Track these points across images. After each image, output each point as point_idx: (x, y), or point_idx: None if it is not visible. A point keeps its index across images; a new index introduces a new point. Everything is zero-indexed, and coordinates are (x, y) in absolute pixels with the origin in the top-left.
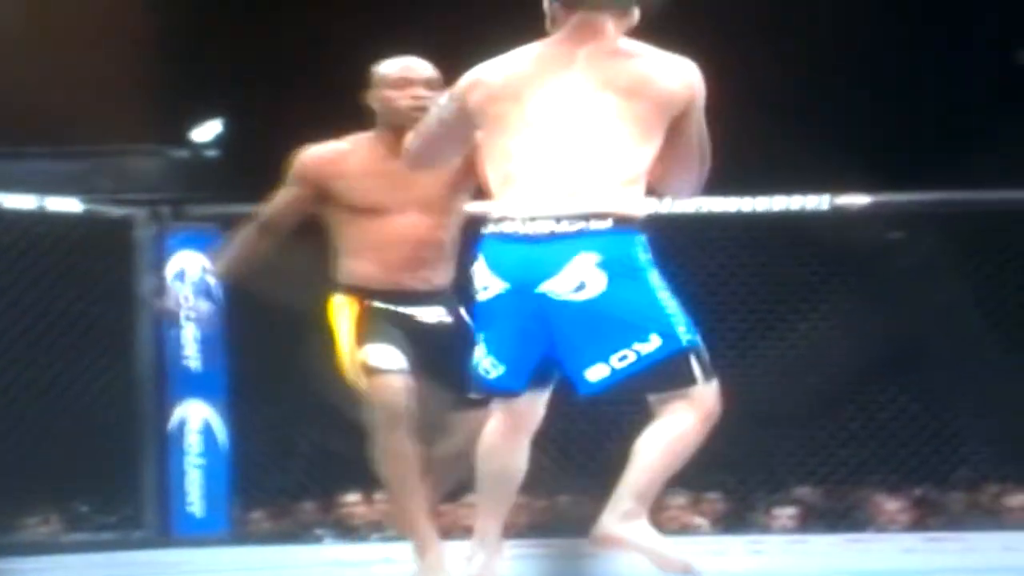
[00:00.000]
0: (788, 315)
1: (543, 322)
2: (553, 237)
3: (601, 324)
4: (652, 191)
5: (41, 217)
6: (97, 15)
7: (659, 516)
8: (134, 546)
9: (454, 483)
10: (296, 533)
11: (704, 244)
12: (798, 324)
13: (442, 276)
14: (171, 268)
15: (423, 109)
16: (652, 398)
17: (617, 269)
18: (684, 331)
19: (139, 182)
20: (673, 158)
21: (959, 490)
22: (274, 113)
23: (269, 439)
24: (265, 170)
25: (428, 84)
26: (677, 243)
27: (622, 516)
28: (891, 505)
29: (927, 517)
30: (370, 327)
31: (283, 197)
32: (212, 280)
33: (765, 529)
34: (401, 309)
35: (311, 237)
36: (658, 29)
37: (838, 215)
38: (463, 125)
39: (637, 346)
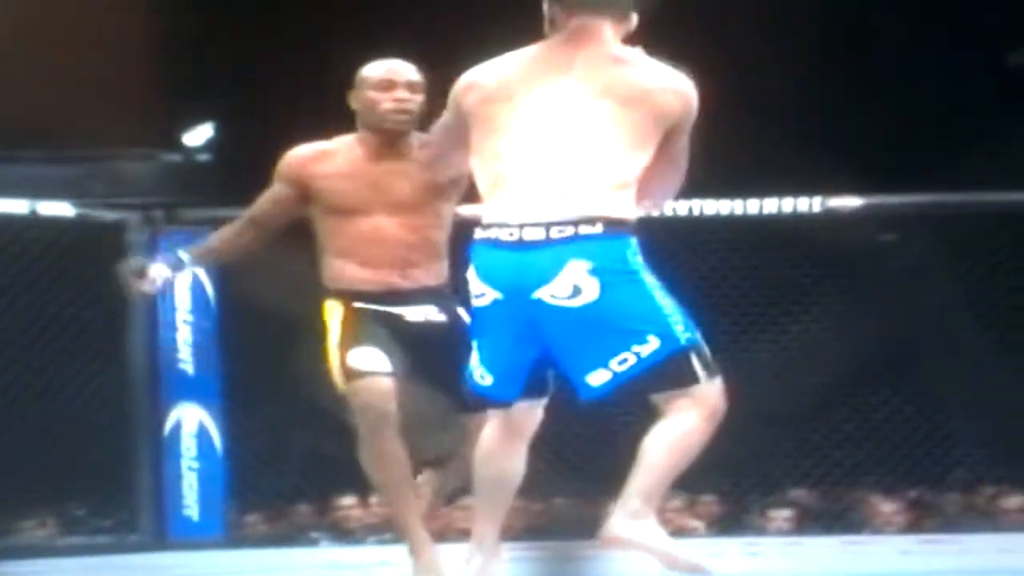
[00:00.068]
0: (781, 317)
1: (538, 329)
2: (544, 243)
3: (598, 329)
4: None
5: (33, 221)
6: (89, 20)
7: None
8: (130, 549)
9: (459, 484)
10: (292, 536)
11: (696, 247)
12: (791, 326)
13: (432, 275)
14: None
15: (405, 112)
16: (656, 398)
17: (610, 274)
18: (682, 330)
19: (132, 186)
20: (655, 169)
21: (955, 492)
22: (267, 117)
23: (264, 442)
24: (257, 174)
25: (411, 87)
26: (669, 246)
27: (630, 516)
28: (887, 507)
29: (923, 519)
30: (355, 330)
31: (267, 196)
32: (184, 257)
33: (761, 531)
34: (387, 309)
35: (305, 240)
36: (650, 31)
37: (830, 217)
38: (462, 128)
39: (636, 348)
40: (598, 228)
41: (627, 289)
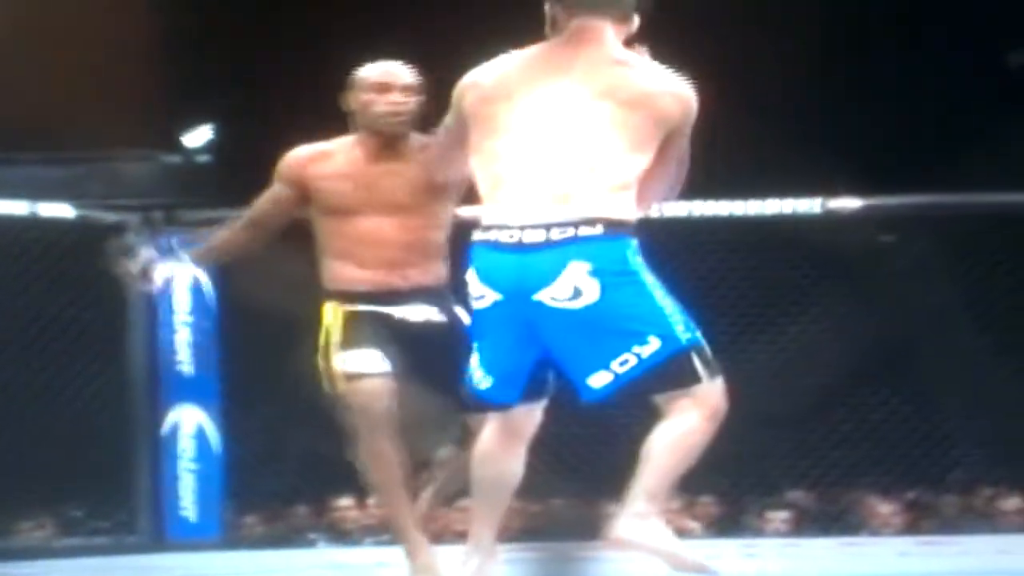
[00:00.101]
0: (780, 318)
1: (538, 331)
2: (545, 245)
3: (599, 330)
4: None
5: (33, 223)
6: (89, 21)
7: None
8: (128, 551)
9: (459, 486)
10: (289, 537)
11: (696, 247)
12: (790, 327)
13: (429, 275)
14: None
15: (400, 115)
16: (658, 399)
17: (610, 275)
18: (683, 330)
19: (131, 187)
20: (653, 172)
21: (953, 493)
22: (266, 118)
23: (262, 443)
24: (257, 175)
25: (406, 90)
26: (668, 247)
27: (635, 518)
28: (884, 508)
29: (921, 520)
30: (351, 332)
31: (267, 196)
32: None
33: (758, 533)
34: (383, 309)
35: (304, 242)
36: (648, 31)
37: (830, 218)
38: (463, 128)
39: (637, 349)
40: (598, 229)
41: (627, 290)
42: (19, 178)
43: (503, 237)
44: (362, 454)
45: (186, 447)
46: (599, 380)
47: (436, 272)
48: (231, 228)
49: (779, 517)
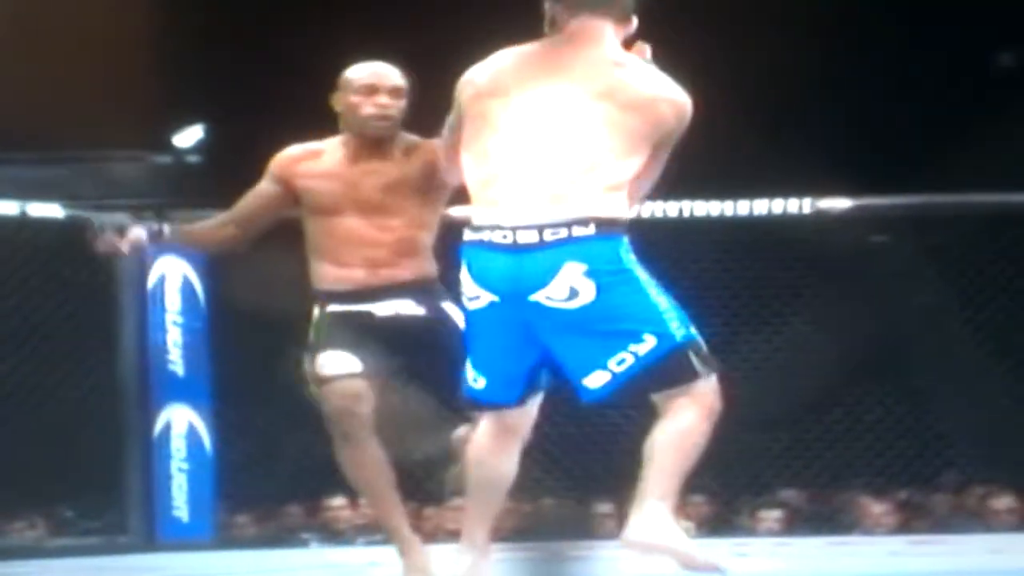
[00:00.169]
0: (772, 318)
1: (535, 332)
2: (539, 246)
3: (596, 330)
4: None
5: (23, 223)
6: (80, 22)
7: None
8: (119, 551)
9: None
10: (282, 537)
11: (687, 248)
12: (782, 327)
13: (406, 271)
14: (154, 274)
15: (387, 118)
16: (656, 398)
17: (605, 275)
18: (678, 327)
19: (122, 188)
20: (637, 174)
21: (944, 492)
22: (257, 118)
23: (254, 443)
24: (248, 175)
25: (394, 92)
26: (659, 247)
27: (649, 519)
28: (876, 508)
29: (912, 520)
30: (326, 334)
31: (253, 191)
32: (165, 230)
33: (750, 532)
34: (356, 307)
35: (294, 241)
36: (640, 32)
37: (820, 219)
38: (463, 126)
39: (633, 348)
40: (591, 229)
41: (622, 289)
42: (8, 178)
43: (496, 237)
44: (342, 457)
45: (178, 447)
46: (597, 380)
47: (414, 267)
48: (215, 220)
49: (771, 516)
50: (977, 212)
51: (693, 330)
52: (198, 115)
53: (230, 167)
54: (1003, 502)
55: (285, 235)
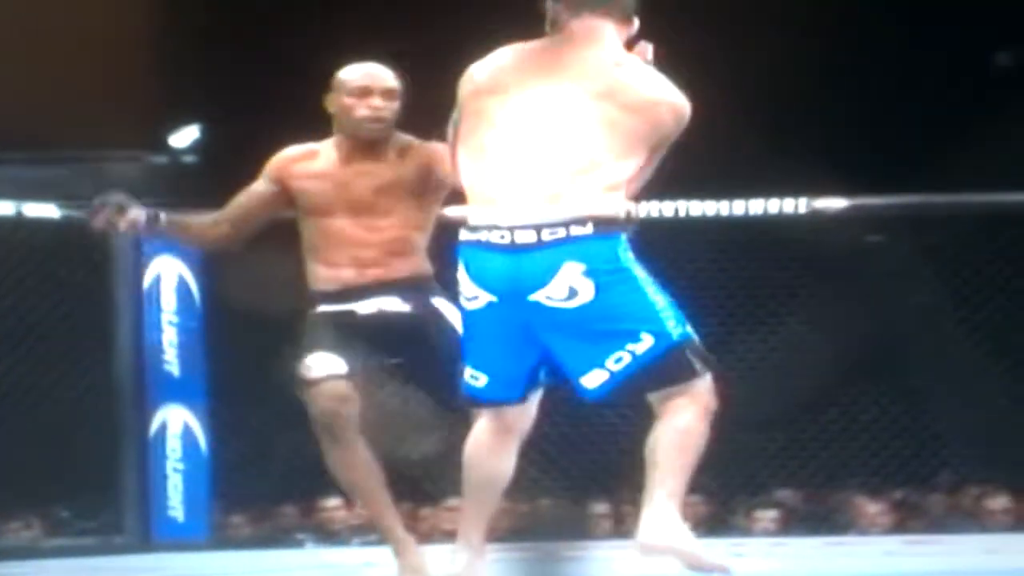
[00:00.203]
0: (767, 318)
1: (535, 331)
2: (537, 246)
3: (595, 330)
4: None
5: (19, 223)
6: (75, 21)
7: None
8: (115, 551)
9: None
10: (277, 537)
11: (682, 247)
12: (777, 327)
13: (393, 270)
14: (150, 274)
15: (380, 120)
16: (652, 397)
17: (604, 274)
18: (674, 325)
19: (117, 188)
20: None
21: (940, 492)
22: (253, 119)
23: (249, 443)
24: (244, 176)
25: (387, 94)
26: (655, 247)
27: (660, 522)
28: (872, 508)
29: (908, 520)
30: (312, 336)
31: (247, 190)
32: (161, 217)
33: (746, 532)
34: (341, 307)
35: (290, 242)
36: (640, 31)
37: (816, 218)
38: None
39: (631, 347)
40: (589, 229)
41: (621, 288)
42: (5, 178)
43: (494, 238)
44: (330, 459)
45: (173, 447)
46: (595, 379)
47: (407, 267)
48: (209, 217)
49: (767, 516)
50: (973, 212)
51: (690, 329)
52: (194, 115)
53: (226, 167)
54: (998, 502)
55: (280, 235)
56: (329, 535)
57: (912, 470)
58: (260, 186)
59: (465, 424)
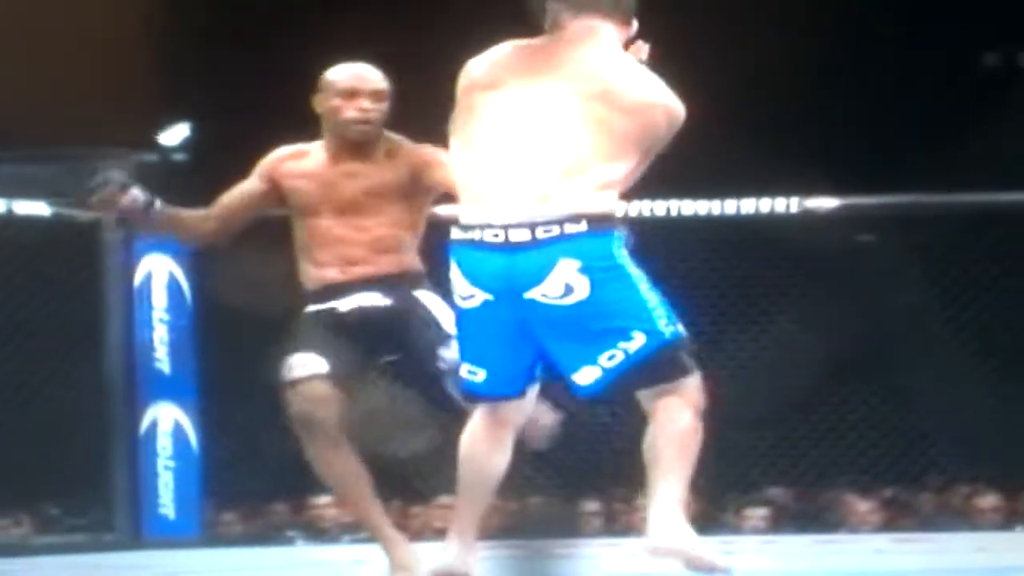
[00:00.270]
0: (759, 317)
1: (531, 328)
2: (532, 244)
3: (589, 327)
4: None
5: (8, 221)
6: (65, 19)
7: (631, 517)
8: (105, 548)
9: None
10: (268, 535)
11: (674, 247)
12: (768, 326)
13: (376, 267)
14: (140, 271)
15: (368, 122)
16: (644, 397)
17: (599, 271)
18: (666, 324)
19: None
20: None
21: (930, 491)
22: (243, 117)
23: (240, 441)
24: (234, 174)
25: (375, 95)
26: (647, 246)
27: (669, 526)
28: (862, 506)
29: (898, 518)
30: (298, 336)
31: (238, 188)
32: (156, 204)
33: (736, 530)
34: (324, 306)
35: (282, 240)
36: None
37: (807, 218)
38: None
39: (623, 345)
40: (583, 226)
41: (615, 285)
42: None
43: (487, 236)
44: (312, 458)
45: (164, 445)
46: (588, 376)
47: (393, 264)
48: (200, 212)
49: (757, 514)
50: (962, 211)
51: (680, 327)
52: (184, 113)
53: (216, 165)
54: (988, 500)
55: (270, 233)
56: (320, 532)
57: (902, 468)
58: (250, 184)
59: (457, 421)
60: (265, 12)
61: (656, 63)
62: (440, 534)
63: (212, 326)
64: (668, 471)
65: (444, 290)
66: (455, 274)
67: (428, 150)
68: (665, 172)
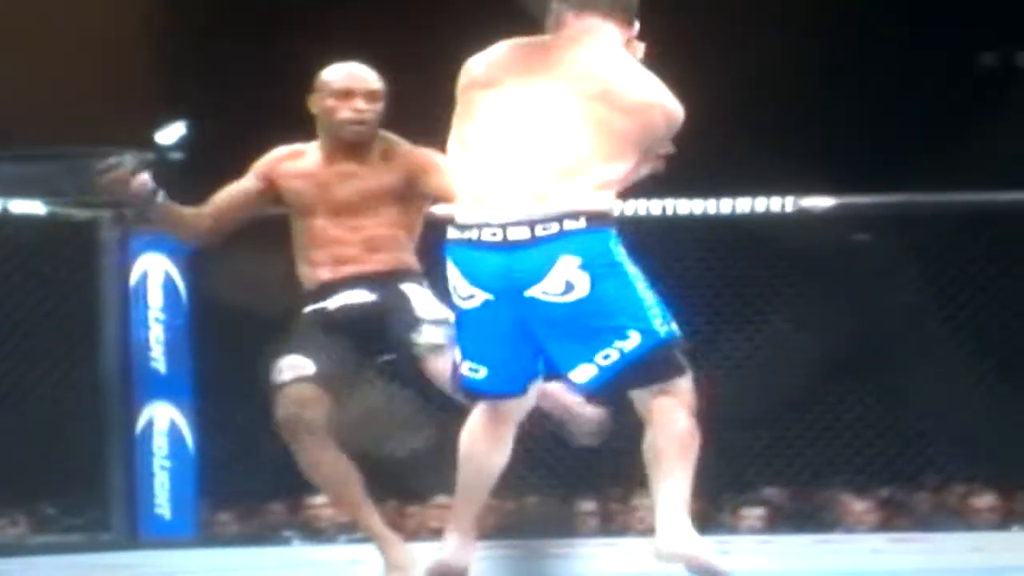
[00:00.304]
0: (754, 317)
1: (531, 325)
2: (531, 242)
3: (587, 325)
4: None
5: (4, 220)
6: (60, 18)
7: (628, 517)
8: (101, 548)
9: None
10: (264, 535)
11: (670, 246)
12: (763, 326)
13: (367, 265)
14: (136, 270)
15: (363, 123)
16: (637, 397)
17: (598, 268)
18: (661, 323)
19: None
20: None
21: (926, 490)
22: (240, 115)
23: (236, 441)
24: (230, 173)
25: (370, 96)
26: (643, 245)
27: (677, 531)
28: (858, 506)
29: (894, 518)
30: (289, 338)
31: (234, 187)
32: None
33: (733, 530)
34: (316, 306)
35: (279, 239)
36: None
37: (803, 217)
38: None
39: (619, 344)
40: (582, 223)
41: (613, 283)
42: None
43: (486, 236)
44: (299, 461)
45: (160, 444)
46: (584, 373)
47: (386, 261)
48: (197, 209)
49: (754, 514)
50: (958, 211)
51: (674, 326)
52: (184, 113)
53: (213, 164)
54: (984, 500)
55: (266, 233)
56: (316, 532)
57: (898, 468)
58: (246, 183)
59: (455, 420)
60: (265, 12)
61: (657, 63)
62: (436, 534)
63: (208, 325)
64: (671, 473)
65: (442, 289)
66: (453, 274)
67: (426, 156)
68: (667, 173)
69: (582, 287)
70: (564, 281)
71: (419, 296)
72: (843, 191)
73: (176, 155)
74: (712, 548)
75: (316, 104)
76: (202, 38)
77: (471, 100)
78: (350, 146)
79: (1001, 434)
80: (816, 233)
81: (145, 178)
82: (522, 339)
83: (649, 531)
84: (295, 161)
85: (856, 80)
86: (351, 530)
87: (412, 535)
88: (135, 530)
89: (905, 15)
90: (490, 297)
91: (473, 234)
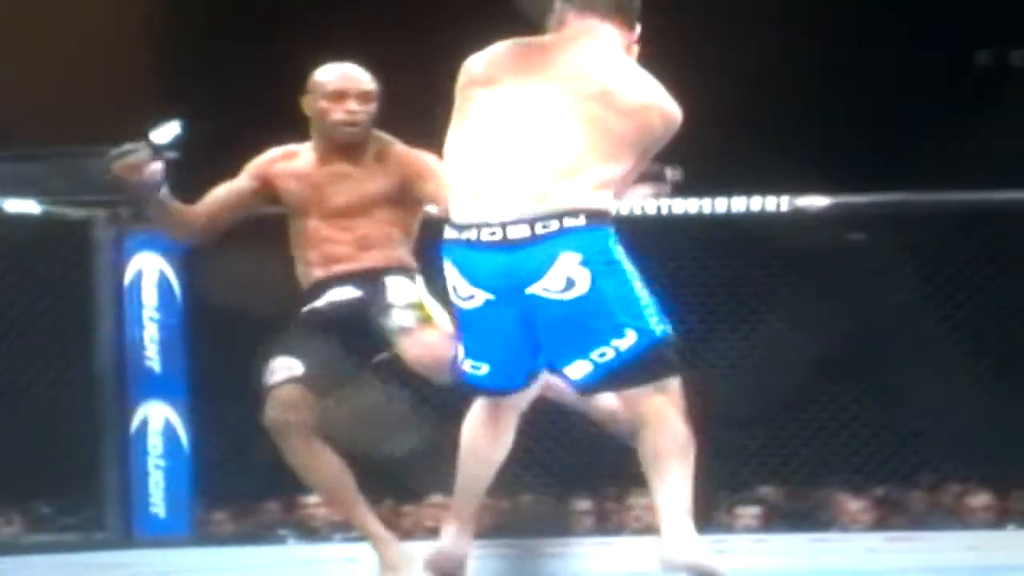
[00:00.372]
0: (749, 316)
1: (532, 321)
2: (531, 241)
3: (585, 322)
4: None
5: None
6: (53, 17)
7: (624, 516)
8: (96, 547)
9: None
10: (259, 534)
11: (665, 245)
12: (759, 325)
13: (357, 263)
14: (130, 269)
15: (355, 124)
16: (628, 396)
17: (598, 266)
18: (656, 322)
19: (97, 183)
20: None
21: (921, 489)
22: (235, 115)
23: (231, 440)
24: (224, 172)
25: (363, 97)
26: (638, 244)
27: (681, 538)
28: (854, 505)
29: (889, 517)
30: (281, 339)
31: (227, 186)
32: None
33: (728, 529)
34: (310, 306)
35: (275, 239)
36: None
37: (798, 216)
38: None
39: (615, 342)
40: (581, 220)
41: (612, 280)
42: None
43: (484, 235)
44: (289, 462)
45: (155, 443)
46: (579, 370)
47: (375, 258)
48: (192, 207)
49: (749, 513)
50: (954, 210)
51: (669, 327)
52: (175, 111)
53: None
54: (979, 499)
55: (261, 232)
56: (311, 531)
57: (893, 467)
58: (240, 183)
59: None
60: (265, 12)
61: (657, 63)
62: (432, 533)
63: (202, 324)
64: (672, 475)
65: (436, 287)
66: (452, 274)
67: (421, 160)
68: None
69: (582, 284)
70: (565, 278)
71: (395, 284)
72: (843, 191)
73: (170, 154)
74: (714, 556)
75: (309, 105)
76: (202, 38)
77: (470, 99)
78: (343, 147)
79: (997, 433)
80: (812, 232)
81: (158, 167)
82: (523, 336)
83: (645, 530)
84: (289, 162)
85: (855, 80)
86: (346, 529)
87: (407, 534)
88: (130, 529)
89: (905, 15)
90: (491, 297)
91: (472, 234)
